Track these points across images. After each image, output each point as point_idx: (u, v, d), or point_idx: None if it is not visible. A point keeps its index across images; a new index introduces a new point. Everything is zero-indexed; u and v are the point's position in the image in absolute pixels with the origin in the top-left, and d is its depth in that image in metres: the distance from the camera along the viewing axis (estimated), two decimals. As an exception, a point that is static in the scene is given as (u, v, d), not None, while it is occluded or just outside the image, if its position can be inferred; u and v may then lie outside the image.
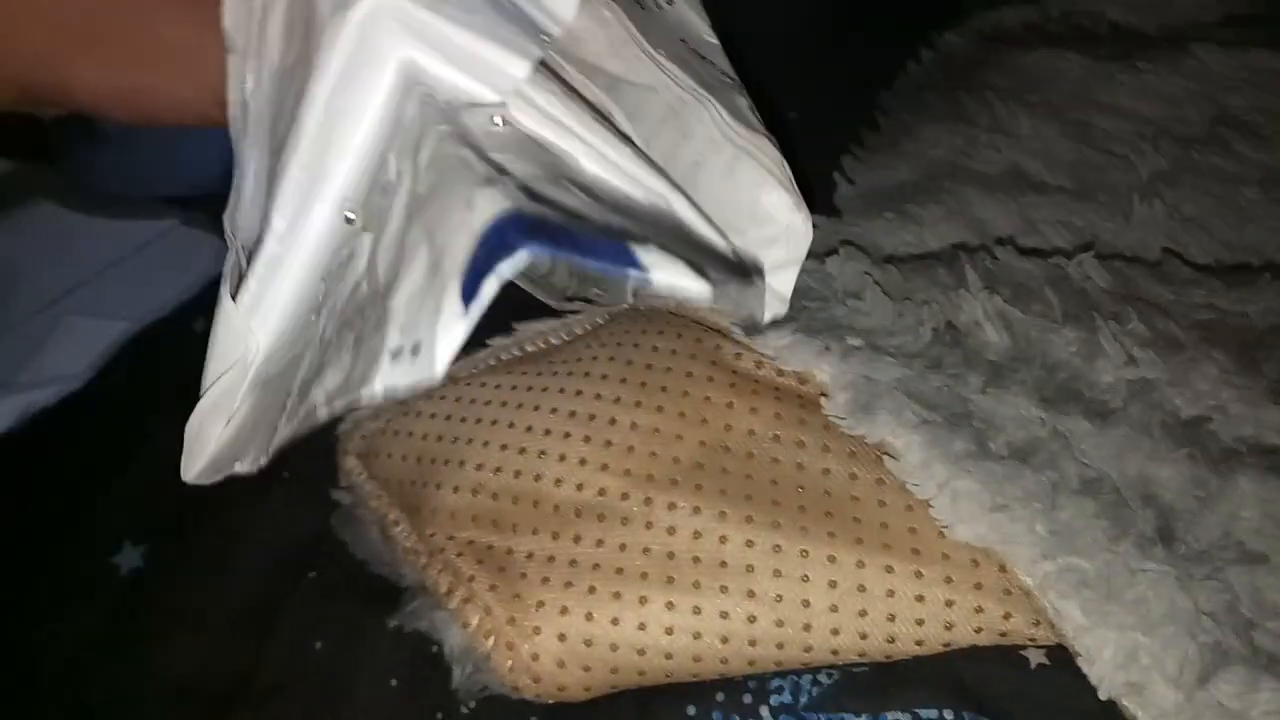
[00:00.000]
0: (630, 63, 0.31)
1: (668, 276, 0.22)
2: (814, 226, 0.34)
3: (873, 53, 0.58)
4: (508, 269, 0.20)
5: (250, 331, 0.28)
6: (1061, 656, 0.30)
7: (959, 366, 0.34)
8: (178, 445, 0.42)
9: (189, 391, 0.44)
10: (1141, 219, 0.43)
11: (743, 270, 0.32)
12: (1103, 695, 0.28)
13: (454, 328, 0.21)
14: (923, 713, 0.30)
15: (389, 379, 0.22)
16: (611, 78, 0.31)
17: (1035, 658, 0.31)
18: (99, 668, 0.37)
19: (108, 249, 0.57)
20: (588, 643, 0.31)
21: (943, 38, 0.59)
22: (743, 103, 0.35)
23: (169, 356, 0.46)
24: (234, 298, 0.28)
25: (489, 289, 0.20)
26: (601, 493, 0.32)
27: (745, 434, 0.33)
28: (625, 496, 0.32)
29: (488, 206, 0.21)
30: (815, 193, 0.37)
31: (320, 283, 0.27)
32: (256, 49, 0.30)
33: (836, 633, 0.31)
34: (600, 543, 0.32)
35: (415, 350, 0.22)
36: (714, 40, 0.37)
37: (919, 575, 0.30)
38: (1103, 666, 0.28)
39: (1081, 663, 0.29)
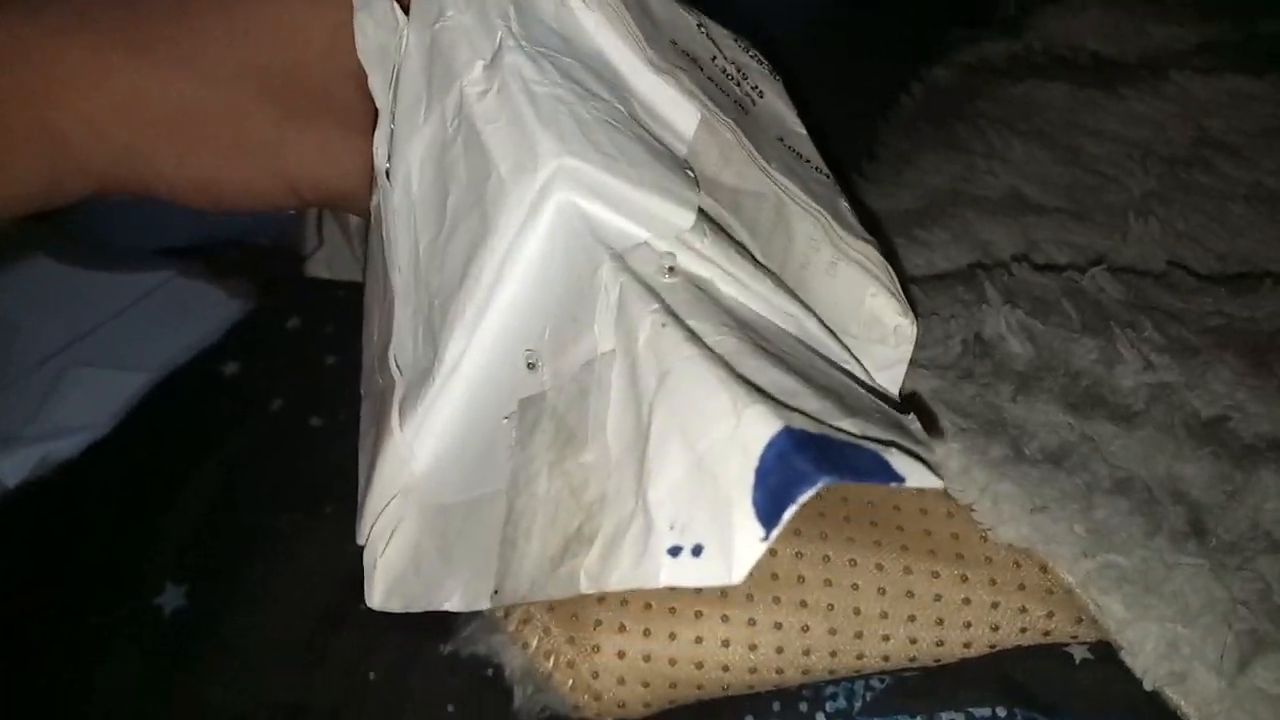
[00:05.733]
0: (741, 170, 0.31)
1: (917, 480, 0.22)
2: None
3: (869, 81, 0.60)
4: (806, 498, 0.20)
5: (413, 456, 0.28)
6: (1104, 651, 0.31)
7: (989, 376, 0.35)
8: (217, 485, 0.43)
9: (224, 433, 0.44)
10: (1139, 235, 0.45)
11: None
12: (1148, 686, 0.29)
13: (753, 546, 0.20)
14: (976, 711, 0.31)
15: (676, 576, 0.22)
16: (730, 190, 0.31)
17: (1079, 654, 0.32)
18: (147, 707, 0.37)
19: (106, 302, 0.57)
20: (646, 659, 0.32)
21: (930, 70, 0.61)
22: (843, 205, 0.35)
23: (199, 401, 0.47)
24: (401, 429, 0.28)
25: (789, 515, 0.20)
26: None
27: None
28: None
29: (761, 428, 0.21)
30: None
31: (503, 423, 0.27)
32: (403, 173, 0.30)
33: (887, 639, 0.31)
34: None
35: (696, 552, 0.21)
36: (802, 130, 0.36)
37: (964, 579, 0.31)
38: (1146, 658, 0.30)
39: (1125, 656, 0.30)
